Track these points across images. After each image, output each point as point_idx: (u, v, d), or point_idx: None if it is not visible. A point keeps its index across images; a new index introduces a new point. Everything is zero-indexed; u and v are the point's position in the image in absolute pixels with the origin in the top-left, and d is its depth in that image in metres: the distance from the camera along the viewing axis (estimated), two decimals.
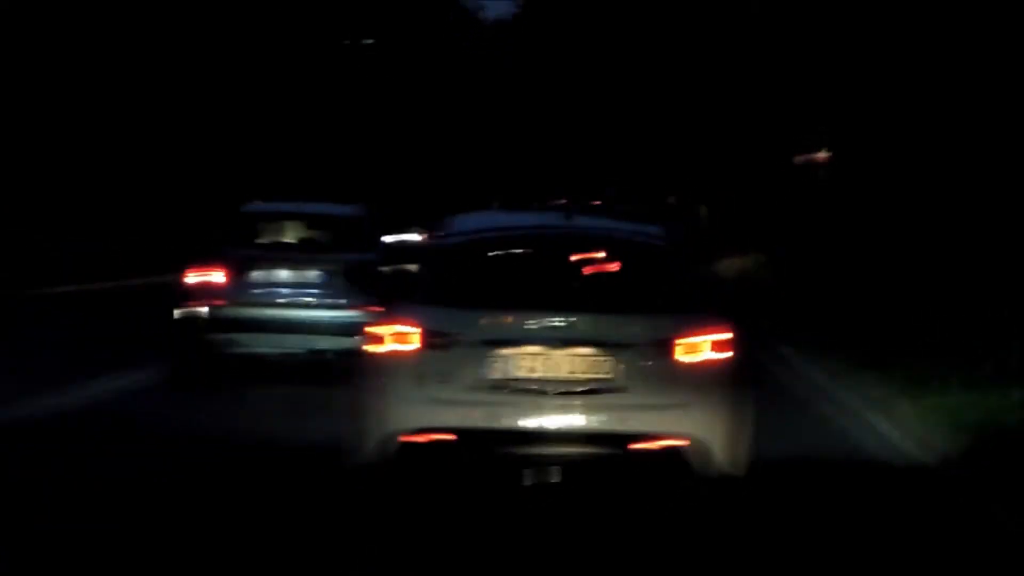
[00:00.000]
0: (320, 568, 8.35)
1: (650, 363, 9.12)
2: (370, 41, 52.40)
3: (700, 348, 9.14)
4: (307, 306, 16.87)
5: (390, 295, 9.69)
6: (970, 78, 21.72)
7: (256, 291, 16.89)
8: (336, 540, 8.99)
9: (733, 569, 8.73)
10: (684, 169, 46.80)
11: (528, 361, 9.10)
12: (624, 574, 8.56)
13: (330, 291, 16.92)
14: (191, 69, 42.54)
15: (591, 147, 57.39)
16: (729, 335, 9.20)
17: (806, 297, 25.82)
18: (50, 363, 17.50)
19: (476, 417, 9.03)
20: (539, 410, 9.06)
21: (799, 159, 34.30)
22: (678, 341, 9.14)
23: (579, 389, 9.09)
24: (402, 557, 8.65)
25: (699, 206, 48.08)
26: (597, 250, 9.68)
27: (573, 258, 9.73)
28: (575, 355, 9.11)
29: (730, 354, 9.18)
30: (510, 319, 9.20)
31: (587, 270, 9.75)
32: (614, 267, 9.76)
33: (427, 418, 9.04)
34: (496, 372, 9.08)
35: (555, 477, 9.09)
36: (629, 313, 9.32)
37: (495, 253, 9.81)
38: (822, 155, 33.27)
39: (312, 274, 16.98)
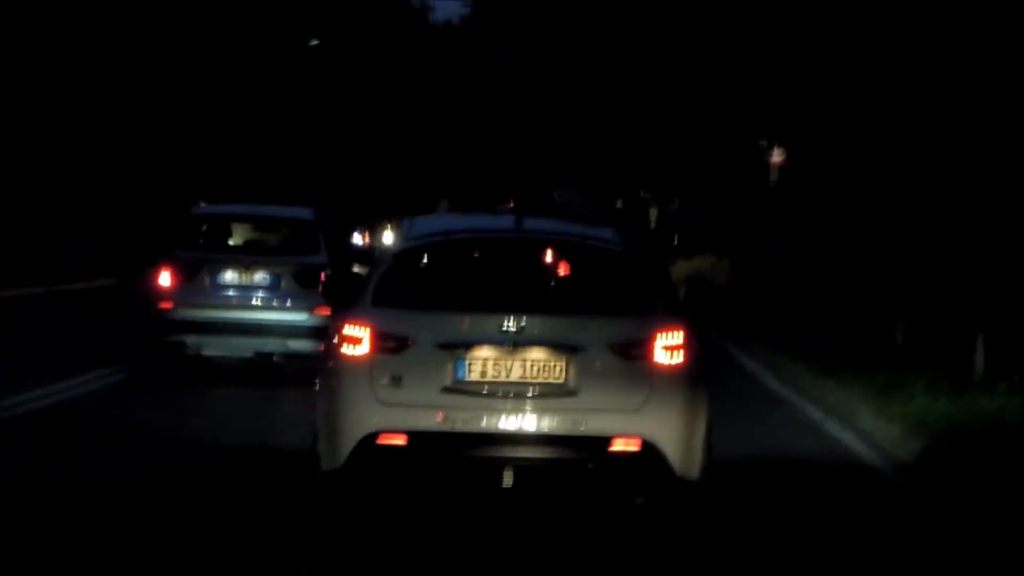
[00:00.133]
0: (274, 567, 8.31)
1: (602, 366, 9.09)
2: (315, 42, 52.23)
3: (653, 351, 9.11)
4: (255, 308, 16.85)
5: (344, 298, 9.62)
6: (932, 78, 21.70)
7: (204, 294, 16.87)
8: (288, 541, 8.95)
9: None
10: (634, 172, 46.82)
11: (480, 365, 9.06)
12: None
13: (278, 293, 16.90)
14: (159, 73, 42.57)
15: (541, 148, 57.38)
16: (683, 338, 9.17)
17: (764, 300, 25.80)
18: (20, 364, 17.35)
19: (429, 420, 8.99)
20: (492, 413, 9.02)
21: (757, 158, 34.21)
22: (631, 344, 9.11)
23: (531, 393, 9.06)
24: (358, 559, 8.62)
25: (649, 208, 48.16)
26: (550, 253, 9.64)
27: (526, 261, 9.70)
28: (527, 358, 9.08)
29: (684, 357, 9.14)
30: (463, 322, 9.16)
31: (540, 273, 9.72)
32: (567, 270, 9.73)
33: (381, 421, 8.99)
34: (449, 375, 9.03)
35: (508, 480, 9.03)
36: (581, 316, 9.29)
37: (449, 256, 9.76)
38: (777, 158, 33.26)
39: (260, 276, 16.95)
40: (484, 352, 9.06)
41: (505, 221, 10.52)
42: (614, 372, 9.07)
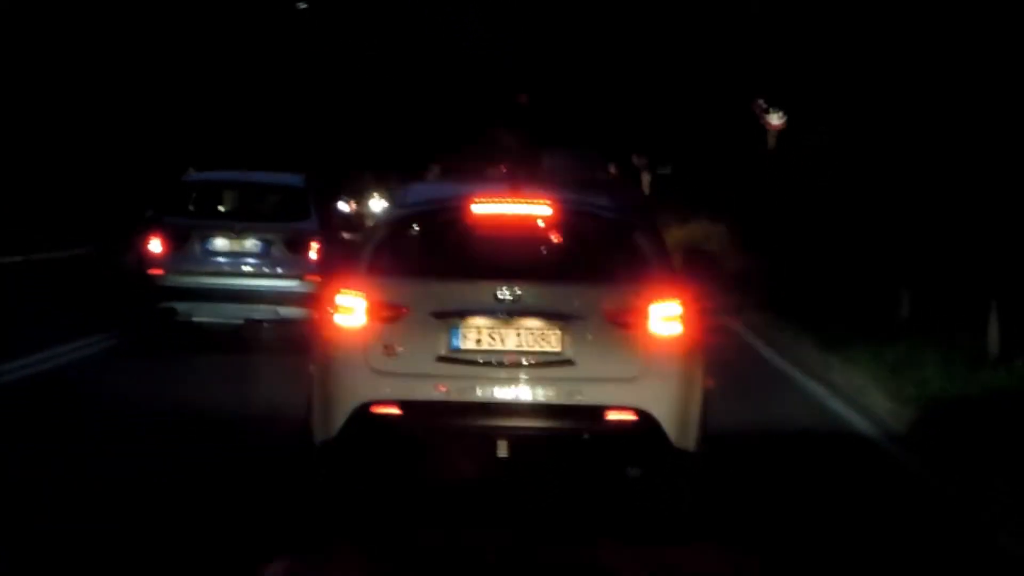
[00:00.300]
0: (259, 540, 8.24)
1: (599, 335, 8.99)
2: (304, 5, 51.98)
3: (650, 320, 9.01)
4: (245, 275, 16.77)
5: (338, 266, 9.53)
6: (937, 45, 21.34)
7: (194, 260, 16.79)
8: (280, 513, 8.89)
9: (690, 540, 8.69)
10: (627, 135, 46.58)
11: (475, 334, 8.96)
12: (572, 544, 8.49)
13: (269, 260, 16.82)
14: (145, 39, 42.30)
15: (531, 111, 57.13)
16: (680, 307, 9.06)
17: (762, 269, 25.39)
18: (9, 331, 17.26)
19: (424, 390, 8.90)
20: (487, 382, 8.93)
21: (754, 120, 33.77)
22: (627, 313, 9.01)
23: (526, 362, 8.96)
24: (351, 531, 8.55)
25: (643, 175, 47.95)
26: (545, 220, 9.53)
27: (521, 228, 9.58)
28: (522, 327, 8.98)
29: (681, 326, 9.05)
30: (458, 291, 9.05)
31: (535, 241, 9.61)
32: (562, 237, 9.62)
33: (375, 391, 8.89)
34: (444, 344, 8.94)
35: (503, 450, 8.95)
36: (577, 284, 9.19)
37: (443, 224, 9.64)
38: (776, 121, 32.84)
39: (251, 243, 16.86)
40: (479, 321, 8.96)
41: (499, 187, 10.39)
42: (610, 342, 8.98)
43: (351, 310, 8.99)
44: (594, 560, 8.20)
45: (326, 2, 54.94)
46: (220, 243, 16.88)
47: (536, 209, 9.58)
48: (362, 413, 8.87)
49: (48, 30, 39.47)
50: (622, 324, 9.01)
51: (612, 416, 8.95)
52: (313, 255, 16.73)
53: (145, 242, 16.87)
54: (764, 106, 32.58)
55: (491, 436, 8.98)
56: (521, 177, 10.31)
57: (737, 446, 11.21)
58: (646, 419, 8.94)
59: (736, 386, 13.70)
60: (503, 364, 8.95)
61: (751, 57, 30.76)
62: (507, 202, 9.69)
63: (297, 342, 13.94)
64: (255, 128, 48.88)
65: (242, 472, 10.28)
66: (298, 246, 16.78)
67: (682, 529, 8.93)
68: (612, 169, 43.81)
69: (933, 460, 11.31)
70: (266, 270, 16.80)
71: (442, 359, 8.93)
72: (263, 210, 18.16)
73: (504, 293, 8.99)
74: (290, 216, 17.31)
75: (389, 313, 8.97)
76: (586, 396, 8.95)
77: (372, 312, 8.97)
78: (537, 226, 9.55)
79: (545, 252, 9.64)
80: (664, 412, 8.96)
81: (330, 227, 17.83)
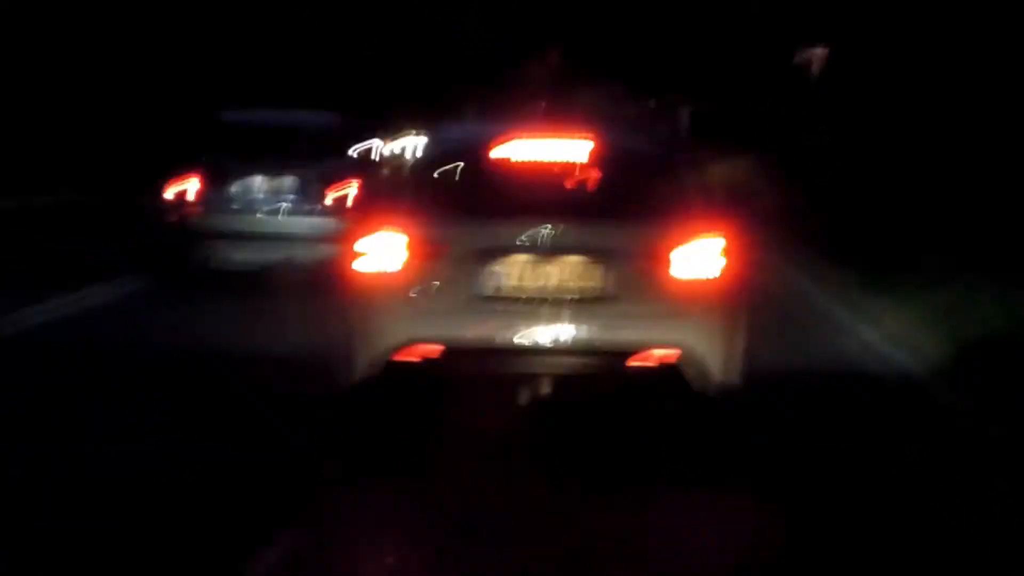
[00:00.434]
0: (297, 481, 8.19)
1: (641, 272, 8.90)
2: None
3: (692, 256, 8.91)
4: (282, 215, 16.69)
5: (377, 204, 9.43)
6: None
7: (231, 201, 16.70)
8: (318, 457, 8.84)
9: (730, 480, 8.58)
10: (667, 70, 46.23)
11: (517, 270, 8.87)
12: (616, 485, 8.40)
13: (307, 199, 16.72)
14: None
15: (570, 44, 56.78)
16: (722, 243, 8.96)
17: (803, 206, 25.06)
18: (36, 275, 17.22)
19: (464, 330, 8.82)
20: (529, 320, 8.85)
21: (798, 57, 33.44)
22: (670, 249, 8.92)
23: (569, 298, 8.88)
24: (385, 472, 8.49)
25: (681, 110, 47.60)
26: (585, 157, 9.43)
27: (560, 166, 9.48)
28: (564, 264, 8.89)
29: (724, 262, 8.94)
30: (499, 229, 8.96)
31: (575, 178, 9.51)
32: (602, 175, 9.52)
33: (415, 331, 8.82)
34: (485, 283, 8.85)
35: (546, 389, 8.89)
36: (619, 221, 9.09)
37: (482, 163, 9.54)
38: (820, 51, 32.44)
39: (288, 183, 16.77)
40: (520, 259, 8.88)
41: (538, 126, 10.28)
42: (653, 278, 8.89)
43: (391, 248, 8.91)
44: (622, 504, 8.07)
45: None
46: (258, 183, 16.78)
47: (576, 145, 9.48)
48: (402, 352, 8.80)
49: None
50: (665, 260, 8.91)
51: (655, 352, 8.88)
52: (352, 193, 16.62)
53: (178, 184, 16.76)
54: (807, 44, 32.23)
55: (533, 375, 8.92)
56: (559, 114, 10.19)
57: (780, 384, 11.08)
58: (689, 355, 8.87)
59: (780, 324, 13.51)
60: (545, 300, 8.88)
61: None
62: (546, 139, 9.60)
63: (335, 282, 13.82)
64: (290, 68, 48.70)
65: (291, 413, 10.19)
66: (336, 185, 16.68)
67: (718, 470, 8.83)
68: (652, 104, 43.52)
69: (985, 403, 10.92)
70: (304, 209, 16.71)
71: (483, 298, 8.86)
72: (300, 149, 18.02)
73: (545, 231, 8.90)
74: (327, 154, 17.21)
75: (429, 252, 8.89)
76: (629, 334, 8.87)
77: (412, 250, 8.89)
78: (577, 163, 9.45)
79: (585, 188, 9.54)
80: (708, 348, 8.90)
81: (367, 165, 17.71)
